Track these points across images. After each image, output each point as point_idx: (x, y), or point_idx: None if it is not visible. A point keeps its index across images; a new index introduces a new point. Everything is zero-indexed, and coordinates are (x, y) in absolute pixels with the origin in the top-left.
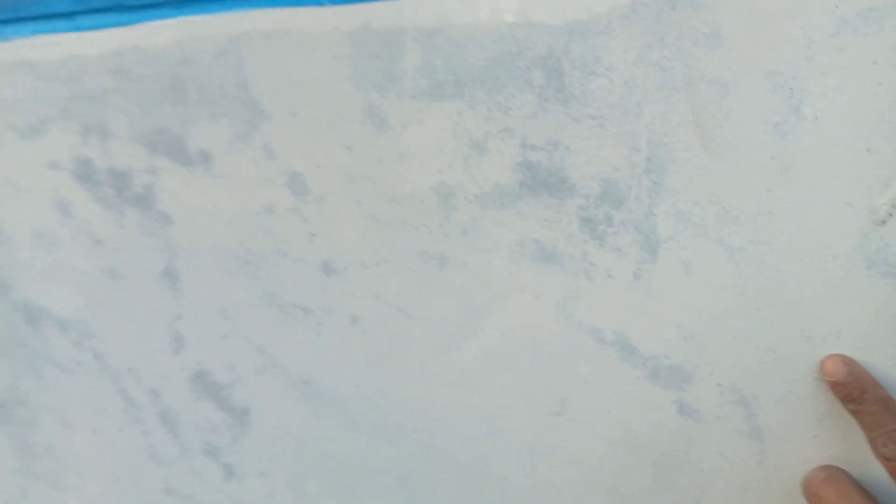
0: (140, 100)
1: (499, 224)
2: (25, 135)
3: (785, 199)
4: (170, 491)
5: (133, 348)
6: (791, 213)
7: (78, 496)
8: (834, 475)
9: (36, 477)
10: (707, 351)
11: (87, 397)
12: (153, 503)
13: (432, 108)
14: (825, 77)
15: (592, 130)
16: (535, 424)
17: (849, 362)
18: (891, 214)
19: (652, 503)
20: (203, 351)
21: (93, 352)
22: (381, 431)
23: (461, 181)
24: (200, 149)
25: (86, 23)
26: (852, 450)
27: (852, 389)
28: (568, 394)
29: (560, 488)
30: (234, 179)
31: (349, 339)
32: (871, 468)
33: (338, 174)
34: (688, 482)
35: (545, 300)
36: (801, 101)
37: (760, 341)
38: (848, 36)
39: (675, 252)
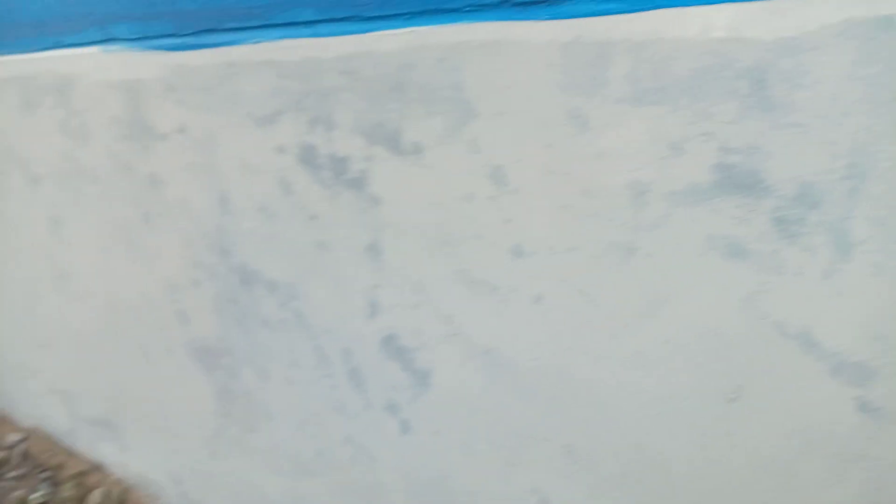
0: (365, 97)
1: (690, 220)
2: (260, 123)
3: None
4: (348, 440)
5: (332, 311)
6: None
7: (265, 438)
8: None
9: (231, 418)
10: (895, 352)
11: (286, 351)
12: (333, 449)
13: (635, 112)
14: None
15: (794, 137)
16: (708, 409)
17: None
18: None
19: (824, 496)
20: (395, 317)
21: (295, 312)
22: (554, 403)
23: (655, 178)
24: (414, 141)
25: (325, 30)
26: None
27: None
28: (745, 382)
29: (727, 473)
30: (441, 169)
31: (531, 317)
32: None
33: (536, 168)
34: (865, 478)
35: (731, 292)
36: None
37: None
38: None
39: (869, 255)
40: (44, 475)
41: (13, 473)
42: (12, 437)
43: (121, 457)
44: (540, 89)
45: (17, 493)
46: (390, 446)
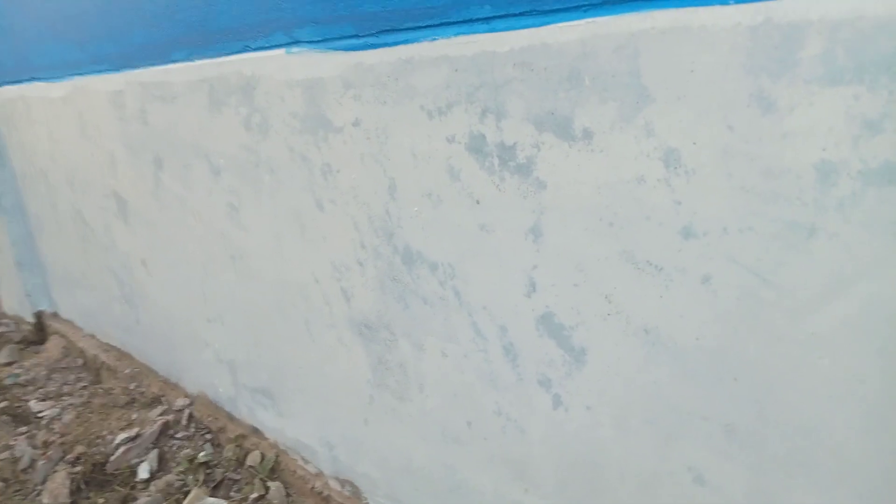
0: (537, 87)
1: (881, 200)
2: (432, 115)
3: None
4: (499, 412)
5: (490, 289)
6: None
7: (417, 407)
8: None
9: (385, 388)
10: None
11: (443, 327)
12: (483, 421)
13: (826, 91)
14: None
15: None
16: (887, 394)
17: None
18: None
19: None
20: (553, 296)
21: (454, 290)
22: (716, 382)
23: (846, 158)
24: (584, 127)
25: (501, 25)
26: None
27: None
28: None
29: None
30: (612, 153)
31: (698, 297)
32: None
33: (714, 150)
34: None
35: None
36: None
37: None
38: None
39: None
40: (208, 436)
41: (181, 434)
42: (180, 402)
43: (278, 422)
44: (722, 72)
45: (186, 452)
46: (541, 419)
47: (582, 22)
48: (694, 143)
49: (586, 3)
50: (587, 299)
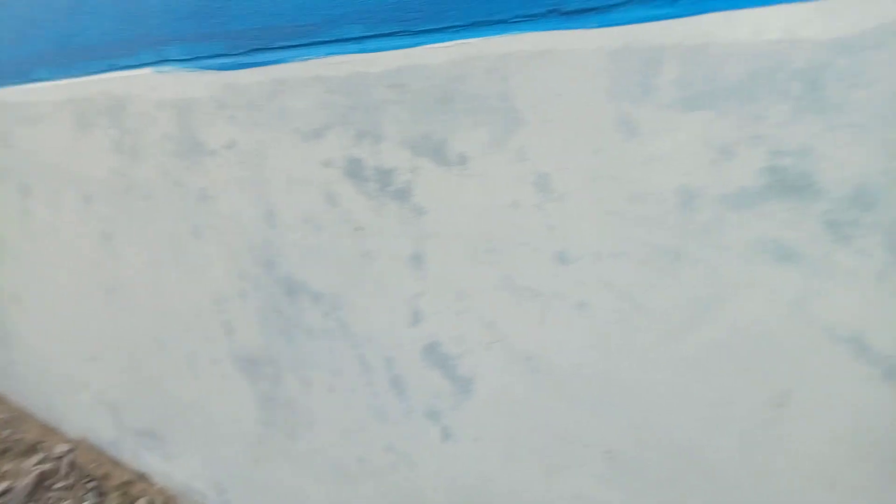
0: (411, 109)
1: (739, 224)
2: (307, 137)
3: None
4: (390, 447)
5: (375, 320)
6: None
7: (308, 445)
8: None
9: (273, 425)
10: None
11: (329, 360)
12: (374, 456)
13: (684, 117)
14: None
15: (848, 138)
16: (756, 414)
17: None
18: None
19: (879, 500)
20: (438, 325)
21: (339, 321)
22: (597, 408)
23: (705, 183)
24: (459, 151)
25: (373, 45)
26: None
27: None
28: (793, 387)
29: (777, 478)
30: (487, 178)
31: (575, 322)
32: None
33: (582, 175)
34: None
35: (780, 296)
36: None
37: None
38: None
39: None
40: (90, 485)
41: (61, 484)
42: (60, 448)
43: (165, 466)
44: (588, 96)
45: (66, 503)
46: (431, 453)
47: (453, 43)
48: (564, 168)
49: (455, 24)
50: (471, 327)
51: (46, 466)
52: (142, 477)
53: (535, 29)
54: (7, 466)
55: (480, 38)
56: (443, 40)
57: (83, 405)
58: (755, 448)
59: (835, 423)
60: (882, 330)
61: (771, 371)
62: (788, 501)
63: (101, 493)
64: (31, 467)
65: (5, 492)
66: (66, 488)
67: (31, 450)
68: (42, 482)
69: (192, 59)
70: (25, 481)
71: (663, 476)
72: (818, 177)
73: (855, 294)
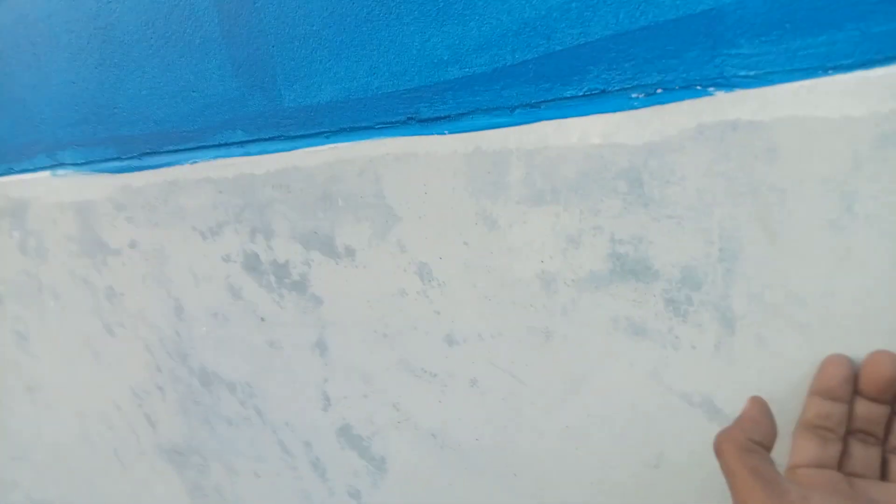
0: (297, 207)
1: (594, 304)
2: (205, 235)
3: (846, 283)
4: None
5: (289, 406)
6: (853, 295)
7: None
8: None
9: None
10: (788, 414)
11: (251, 447)
12: None
13: (534, 211)
14: (873, 182)
15: (671, 227)
16: (636, 476)
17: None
18: None
19: None
20: (347, 408)
21: (256, 409)
22: (500, 479)
23: (560, 269)
24: (346, 245)
25: (255, 149)
26: None
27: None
28: (664, 449)
29: None
30: (374, 269)
31: (469, 399)
32: None
33: (457, 264)
34: None
35: (638, 367)
36: (852, 202)
37: None
38: (891, 149)
39: (751, 327)
40: None
41: None
42: None
43: None
44: (451, 194)
45: None
46: None
47: (325, 147)
48: (440, 258)
49: (326, 129)
50: (378, 408)
51: None
52: None
53: (396, 134)
54: None
55: (349, 143)
56: (316, 144)
57: None
58: None
59: (703, 480)
60: (727, 394)
61: (643, 435)
62: None
63: None
64: None
65: None
66: None
67: None
68: None
69: (87, 162)
70: None
71: None
72: (652, 261)
73: (699, 363)
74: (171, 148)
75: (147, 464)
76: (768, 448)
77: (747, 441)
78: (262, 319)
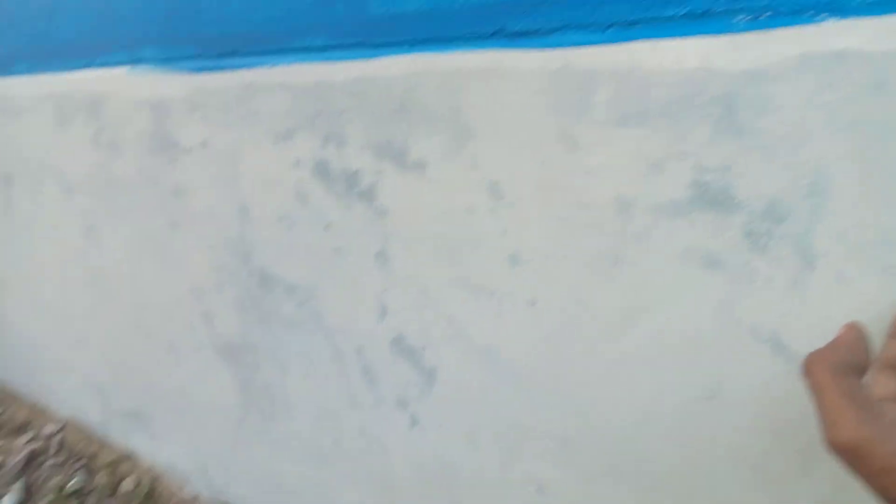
0: (372, 117)
1: (669, 232)
2: (278, 139)
3: None
4: (363, 432)
5: (345, 312)
6: None
7: (286, 428)
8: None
9: (253, 409)
10: None
11: (303, 349)
12: (348, 440)
13: (618, 133)
14: None
15: (761, 158)
16: (687, 406)
17: None
18: None
19: (793, 488)
20: (403, 319)
21: (312, 312)
22: (550, 398)
23: (638, 194)
24: (418, 157)
25: (335, 55)
26: None
27: None
28: (720, 381)
29: (706, 464)
30: (443, 183)
31: (526, 318)
32: None
33: (530, 184)
34: (830, 471)
35: (706, 298)
36: None
37: None
38: None
39: (832, 265)
40: (79, 464)
41: (50, 462)
42: (49, 428)
43: (151, 446)
44: (531, 112)
45: (56, 481)
46: (400, 438)
47: (406, 57)
48: (514, 177)
49: (410, 39)
50: (433, 322)
51: (36, 445)
52: (129, 457)
53: (482, 47)
54: None
55: (432, 54)
56: (398, 53)
57: (71, 387)
58: (689, 438)
59: (759, 415)
60: (796, 332)
61: (701, 367)
62: (718, 487)
63: (90, 472)
64: (22, 445)
65: None
66: (55, 466)
67: (22, 429)
68: (33, 460)
69: (166, 60)
70: (17, 458)
71: (610, 462)
72: (736, 192)
73: (772, 298)
74: (250, 50)
75: (201, 358)
76: (861, 374)
77: (840, 363)
78: (328, 226)
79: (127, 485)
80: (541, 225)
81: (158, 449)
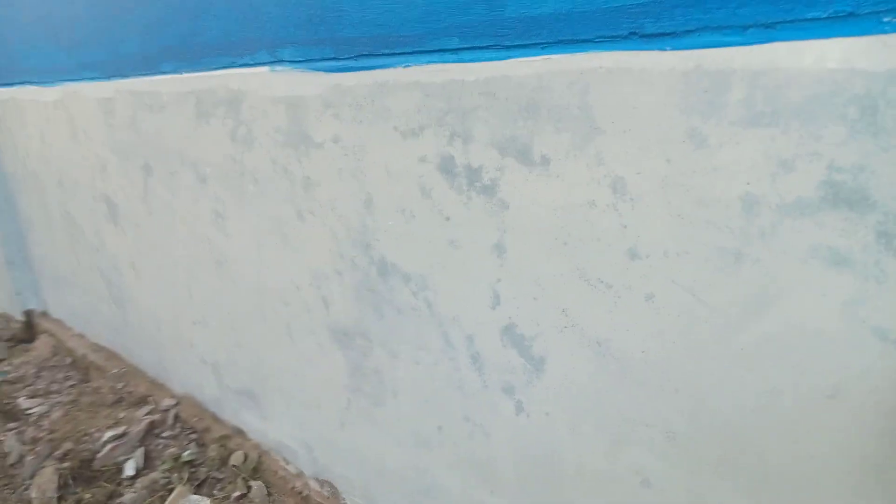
0: (500, 115)
1: (796, 230)
2: (406, 135)
3: None
4: (467, 418)
5: (459, 301)
6: None
7: (391, 412)
8: None
9: (361, 393)
10: None
11: (415, 336)
12: (452, 425)
13: (748, 132)
14: None
15: None
16: (805, 405)
17: None
18: None
19: None
20: (515, 308)
21: (426, 300)
22: (659, 392)
23: (766, 192)
24: (542, 154)
25: (468, 56)
26: None
27: None
28: (841, 382)
29: (820, 465)
30: (566, 178)
31: (643, 313)
32: None
33: (655, 180)
34: None
35: (832, 298)
36: None
37: None
38: None
39: None
40: (192, 436)
41: (167, 433)
42: (167, 402)
43: (260, 424)
44: (660, 111)
45: (171, 451)
46: (505, 425)
47: (539, 58)
48: (638, 173)
49: (543, 41)
50: (545, 312)
51: (155, 417)
52: (239, 432)
53: (615, 49)
54: (122, 414)
55: (563, 55)
56: (530, 55)
57: (189, 364)
58: (804, 437)
59: (882, 417)
60: None
61: (821, 366)
62: (827, 486)
63: (202, 445)
64: (142, 416)
65: (122, 434)
66: (171, 437)
67: (142, 401)
68: (151, 430)
69: (304, 60)
70: (138, 428)
71: (718, 457)
72: (871, 192)
73: None
74: (386, 51)
75: (315, 341)
76: None
77: None
78: (448, 219)
79: (236, 458)
80: (662, 220)
81: (268, 427)
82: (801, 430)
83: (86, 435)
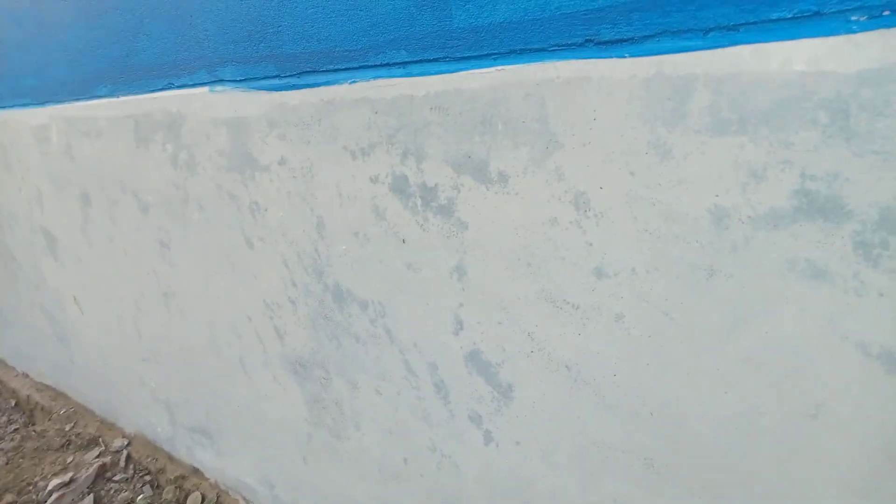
0: (454, 131)
1: (770, 243)
2: (356, 155)
3: None
4: (434, 449)
5: (420, 327)
6: None
7: (355, 444)
8: None
9: (321, 426)
10: None
11: (375, 364)
12: (418, 457)
13: (715, 141)
14: None
15: (875, 164)
16: (789, 424)
17: None
18: None
19: None
20: (480, 333)
21: (385, 328)
22: (634, 417)
23: (736, 204)
24: (500, 170)
25: (417, 70)
26: None
27: None
28: (825, 399)
29: (809, 485)
30: (526, 196)
31: (612, 334)
32: None
33: (619, 194)
34: None
35: (811, 312)
36: None
37: None
38: None
39: None
40: (147, 478)
41: (119, 476)
42: (118, 443)
43: (217, 462)
44: (622, 121)
45: (124, 495)
46: (474, 455)
47: (492, 70)
48: (601, 188)
49: (494, 51)
50: (511, 337)
51: (106, 459)
52: (195, 472)
53: (572, 57)
54: (70, 458)
55: (517, 65)
56: (482, 66)
57: (140, 402)
58: (789, 458)
59: (867, 434)
60: None
61: (804, 383)
62: None
63: (157, 486)
64: (92, 460)
65: (70, 482)
66: (124, 480)
67: (92, 443)
68: (102, 474)
69: (246, 79)
70: (87, 473)
71: (700, 483)
72: (847, 200)
73: (885, 313)
74: (331, 67)
75: (270, 373)
76: None
77: None
78: (403, 241)
79: (193, 500)
80: (629, 237)
81: (225, 465)
82: (785, 451)
83: (29, 485)
